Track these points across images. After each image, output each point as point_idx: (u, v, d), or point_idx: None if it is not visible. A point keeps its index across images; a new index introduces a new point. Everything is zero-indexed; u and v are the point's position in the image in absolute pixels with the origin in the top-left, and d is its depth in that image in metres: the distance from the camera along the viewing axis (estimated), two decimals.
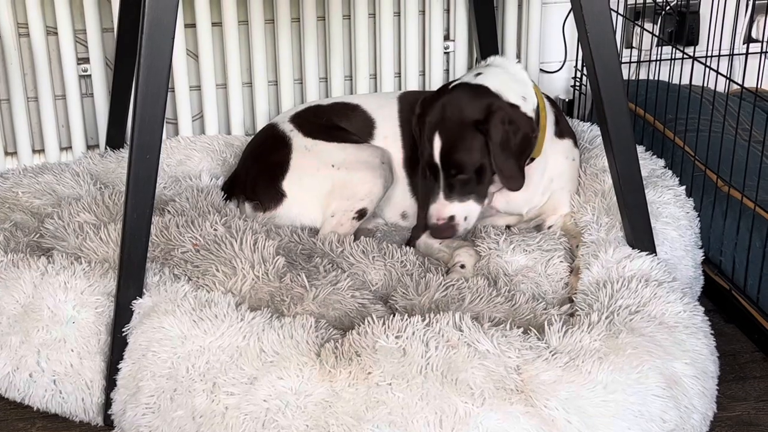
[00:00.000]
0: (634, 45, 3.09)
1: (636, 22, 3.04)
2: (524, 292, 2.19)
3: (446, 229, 2.27)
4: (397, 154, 2.54)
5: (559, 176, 2.42)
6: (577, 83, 3.06)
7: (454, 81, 2.36)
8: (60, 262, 2.13)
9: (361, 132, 2.57)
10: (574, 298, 2.15)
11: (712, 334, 2.05)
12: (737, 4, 2.61)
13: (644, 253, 2.16)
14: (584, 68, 2.98)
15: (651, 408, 1.83)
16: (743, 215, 2.40)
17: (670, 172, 2.58)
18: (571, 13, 2.06)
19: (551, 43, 3.08)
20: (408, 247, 2.38)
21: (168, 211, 2.41)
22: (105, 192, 2.53)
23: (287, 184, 2.47)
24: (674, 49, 2.78)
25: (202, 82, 2.83)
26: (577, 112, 3.08)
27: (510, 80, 2.32)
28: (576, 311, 2.07)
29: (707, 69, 2.61)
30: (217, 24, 2.80)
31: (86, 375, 2.04)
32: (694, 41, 3.08)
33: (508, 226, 2.47)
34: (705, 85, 2.72)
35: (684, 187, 2.52)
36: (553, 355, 1.84)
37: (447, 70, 3.00)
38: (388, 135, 2.56)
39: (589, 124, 2.78)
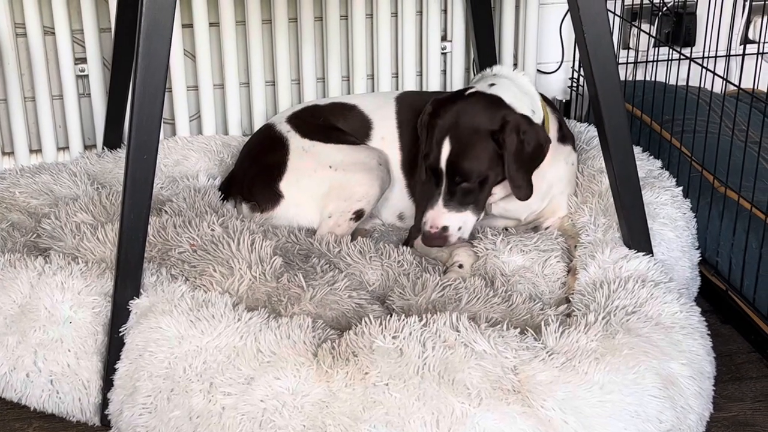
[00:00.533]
0: (631, 46, 3.09)
1: (633, 22, 3.04)
2: (521, 293, 2.19)
3: (438, 238, 2.26)
4: (395, 156, 2.54)
5: (558, 181, 2.43)
6: (574, 84, 3.07)
7: (469, 88, 2.35)
8: (57, 263, 2.13)
9: (359, 133, 2.57)
10: (571, 299, 2.15)
11: (708, 334, 2.05)
12: (734, 5, 2.61)
13: (641, 254, 2.16)
14: (581, 69, 2.98)
15: (647, 408, 1.83)
16: (740, 216, 2.40)
17: (667, 172, 2.59)
18: (569, 14, 2.06)
19: (548, 43, 3.08)
20: (405, 247, 2.38)
21: (165, 211, 2.40)
22: (102, 192, 2.53)
23: (284, 185, 2.47)
24: (671, 50, 2.79)
25: (200, 82, 2.83)
26: (574, 112, 3.09)
27: (520, 93, 2.33)
28: (573, 312, 2.08)
29: (704, 70, 2.62)
30: (215, 24, 2.80)
31: (83, 375, 2.04)
32: (690, 42, 3.08)
33: (505, 228, 2.47)
34: (702, 86, 2.72)
35: (681, 187, 2.52)
36: (549, 356, 1.84)
37: (444, 71, 3.00)
38: (386, 136, 2.56)
39: (586, 124, 2.79)
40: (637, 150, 2.61)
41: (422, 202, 2.38)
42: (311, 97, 2.88)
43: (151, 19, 1.81)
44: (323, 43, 2.88)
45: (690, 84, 2.72)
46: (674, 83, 2.82)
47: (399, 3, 2.87)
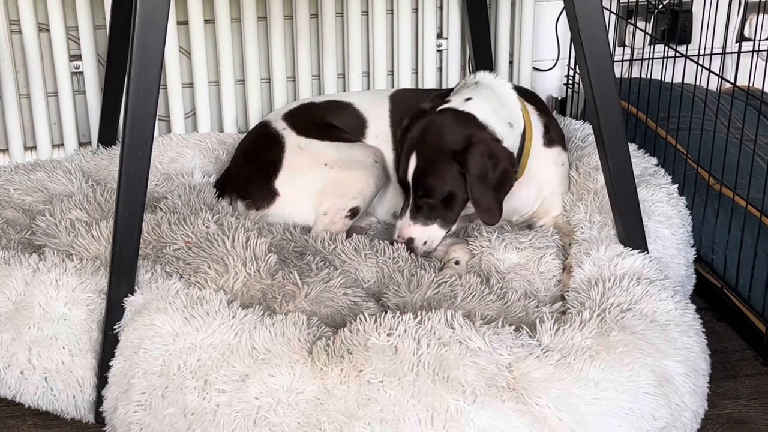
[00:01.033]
0: (626, 43, 3.09)
1: (629, 20, 3.04)
2: (516, 290, 2.19)
3: (406, 248, 2.31)
4: (389, 154, 2.54)
5: (548, 184, 2.43)
6: (570, 81, 3.07)
7: (446, 100, 2.33)
8: (51, 260, 2.13)
9: (354, 130, 2.56)
10: (566, 296, 2.15)
11: (703, 331, 2.05)
12: (729, 2, 2.62)
13: (636, 251, 2.16)
14: (577, 67, 2.98)
15: (642, 405, 1.83)
16: (735, 213, 2.40)
17: (663, 170, 2.59)
18: (564, 11, 2.06)
19: (544, 41, 3.08)
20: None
21: (160, 208, 2.40)
22: (97, 189, 2.52)
23: (280, 183, 2.47)
24: (667, 48, 2.79)
25: (195, 79, 2.83)
26: (570, 110, 3.09)
27: (499, 105, 2.32)
28: (568, 309, 2.08)
29: (700, 67, 2.61)
30: (210, 21, 2.80)
31: (77, 372, 2.04)
32: (686, 40, 3.08)
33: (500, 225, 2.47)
34: (697, 83, 2.72)
35: (676, 185, 2.52)
36: (544, 353, 1.84)
37: (440, 68, 3.00)
38: (380, 134, 2.56)
39: (581, 122, 2.78)
40: (632, 147, 2.61)
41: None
42: (307, 94, 2.88)
43: (145, 16, 1.81)
44: (319, 40, 2.88)
45: (686, 82, 2.71)
46: (670, 81, 2.82)
47: (395, 0, 2.87)
